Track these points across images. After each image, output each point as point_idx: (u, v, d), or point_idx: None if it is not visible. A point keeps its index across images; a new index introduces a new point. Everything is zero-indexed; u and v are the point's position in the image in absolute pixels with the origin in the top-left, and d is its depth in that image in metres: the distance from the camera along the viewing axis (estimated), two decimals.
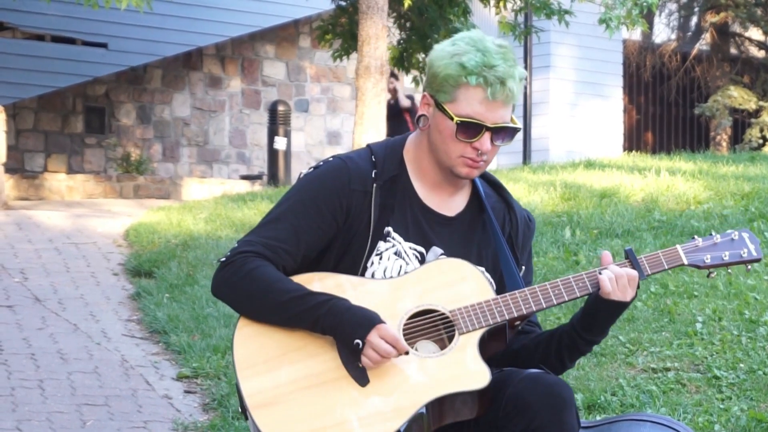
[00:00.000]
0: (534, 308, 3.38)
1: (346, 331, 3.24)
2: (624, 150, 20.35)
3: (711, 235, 3.52)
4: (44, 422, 5.89)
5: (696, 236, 3.54)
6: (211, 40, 18.48)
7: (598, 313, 3.42)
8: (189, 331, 7.41)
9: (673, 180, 10.58)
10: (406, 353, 3.25)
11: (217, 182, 17.39)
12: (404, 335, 3.31)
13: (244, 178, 18.15)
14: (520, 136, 19.84)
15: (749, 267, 3.53)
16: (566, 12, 14.46)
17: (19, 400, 6.24)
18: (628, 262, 3.43)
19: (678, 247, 3.48)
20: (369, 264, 3.41)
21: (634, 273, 3.39)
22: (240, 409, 3.36)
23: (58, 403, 6.21)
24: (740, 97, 22.38)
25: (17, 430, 5.76)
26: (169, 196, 16.43)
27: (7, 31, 17.12)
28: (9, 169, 15.37)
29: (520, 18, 15.84)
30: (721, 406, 5.64)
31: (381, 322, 3.26)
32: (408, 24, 14.75)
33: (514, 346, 3.47)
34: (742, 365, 6.12)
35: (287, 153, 16.89)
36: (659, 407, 5.57)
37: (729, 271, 3.57)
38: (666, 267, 3.44)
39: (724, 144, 23.06)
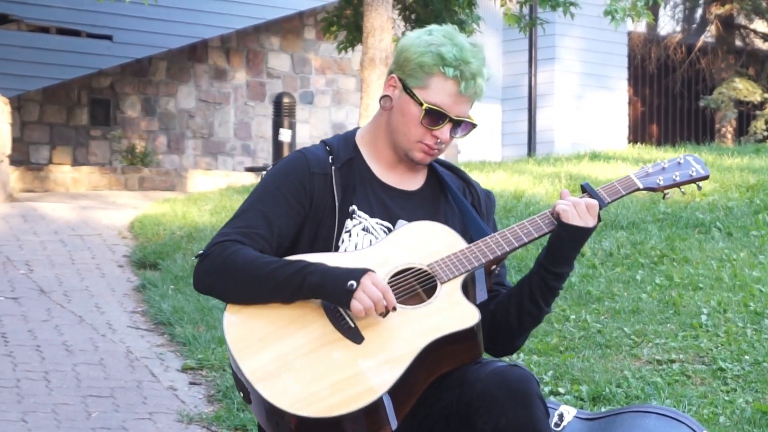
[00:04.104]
0: (507, 249, 3.48)
1: (340, 279, 3.31)
2: (629, 142, 20.33)
3: (659, 162, 3.71)
4: (49, 414, 5.90)
5: (644, 164, 3.73)
6: (216, 32, 18.47)
7: (563, 243, 3.51)
8: (194, 323, 7.41)
9: None
10: (394, 309, 3.32)
11: (222, 174, 17.38)
12: None
13: (249, 170, 18.14)
14: (525, 128, 19.84)
15: (700, 185, 3.74)
16: (571, 3, 14.43)
17: (24, 391, 6.24)
18: (587, 195, 3.56)
19: (630, 174, 3.67)
20: (340, 242, 3.51)
21: (593, 201, 3.53)
22: (241, 395, 3.38)
23: (63, 395, 6.22)
24: (745, 89, 22.35)
25: (23, 421, 5.77)
26: (174, 188, 16.43)
27: (12, 23, 17.11)
28: (14, 162, 15.36)
29: (525, 9, 15.82)
30: (726, 398, 5.65)
31: (371, 270, 3.34)
32: (413, 16, 14.73)
33: (490, 306, 3.55)
34: (747, 357, 6.12)
35: (292, 145, 16.86)
36: (664, 399, 5.57)
37: (682, 190, 3.73)
38: (623, 193, 3.61)
39: (729, 136, 23.03)
